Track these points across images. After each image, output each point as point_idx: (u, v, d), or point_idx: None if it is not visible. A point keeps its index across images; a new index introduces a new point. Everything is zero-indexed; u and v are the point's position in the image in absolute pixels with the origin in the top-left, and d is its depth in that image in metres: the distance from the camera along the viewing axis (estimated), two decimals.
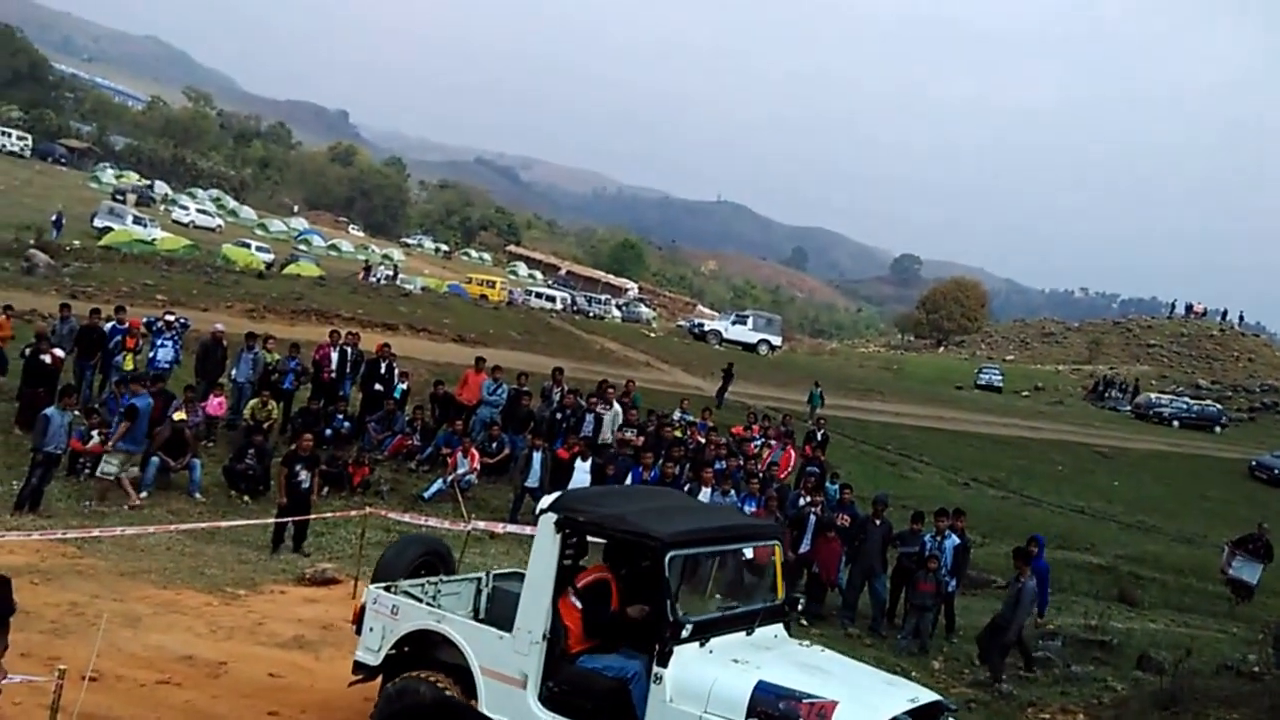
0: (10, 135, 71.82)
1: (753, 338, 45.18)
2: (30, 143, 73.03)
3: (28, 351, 14.74)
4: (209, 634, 8.69)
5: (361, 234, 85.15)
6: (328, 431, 15.29)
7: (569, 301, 56.21)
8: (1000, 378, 52.68)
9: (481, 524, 12.57)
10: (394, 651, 6.57)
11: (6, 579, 2.69)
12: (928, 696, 5.68)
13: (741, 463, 15.30)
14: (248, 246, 46.42)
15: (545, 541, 6.09)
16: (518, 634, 6.00)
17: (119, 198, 53.96)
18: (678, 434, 16.44)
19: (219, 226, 58.33)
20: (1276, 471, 33.89)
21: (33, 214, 40.48)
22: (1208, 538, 23.52)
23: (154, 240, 40.49)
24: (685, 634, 5.56)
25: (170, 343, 16.29)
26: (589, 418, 16.20)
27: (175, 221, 53.97)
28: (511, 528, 12.60)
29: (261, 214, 73.31)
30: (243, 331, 17.65)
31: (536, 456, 14.57)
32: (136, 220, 44.33)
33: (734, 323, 47.53)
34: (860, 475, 20.14)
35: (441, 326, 30.53)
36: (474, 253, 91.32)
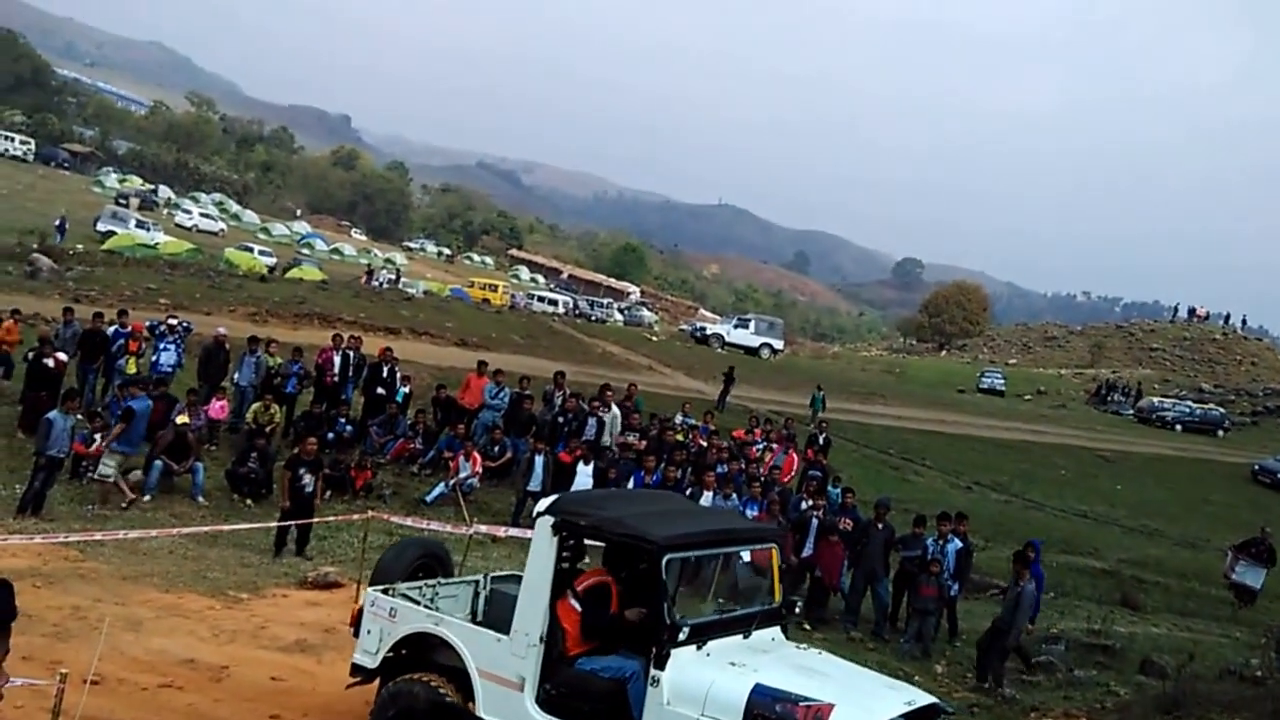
0: (13, 140, 72.07)
1: (755, 341, 45.15)
2: (33, 147, 73.24)
3: (31, 355, 14.78)
4: (211, 638, 8.70)
5: (364, 238, 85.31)
6: (330, 435, 15.31)
7: (571, 305, 56.24)
8: (1002, 381, 52.62)
9: (483, 528, 12.55)
10: (392, 654, 6.57)
11: (8, 584, 2.69)
12: (924, 699, 5.69)
13: (743, 466, 15.30)
14: (250, 250, 46.55)
15: (542, 544, 6.10)
16: (515, 636, 6.01)
17: (122, 202, 54.11)
18: (679, 438, 16.46)
19: (222, 231, 58.49)
20: (1279, 475, 33.83)
21: (36, 218, 40.55)
22: (1210, 542, 23.48)
23: (157, 244, 40.57)
24: (682, 637, 5.57)
25: (173, 346, 16.34)
26: (591, 421, 16.22)
27: (178, 225, 54.12)
28: (514, 531, 12.58)
29: (264, 218, 73.49)
30: (245, 335, 17.69)
31: (538, 460, 14.57)
32: (139, 224, 44.46)
33: (736, 326, 47.49)
34: (862, 479, 20.10)
35: (444, 330, 30.54)
36: (476, 256, 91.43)
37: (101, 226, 43.47)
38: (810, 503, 13.61)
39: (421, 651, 6.49)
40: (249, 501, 13.79)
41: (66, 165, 76.09)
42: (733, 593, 6.36)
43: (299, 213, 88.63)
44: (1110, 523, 25.13)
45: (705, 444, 16.35)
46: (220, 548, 11.90)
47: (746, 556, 6.39)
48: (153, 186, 70.06)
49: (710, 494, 12.98)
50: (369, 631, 6.67)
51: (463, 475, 15.01)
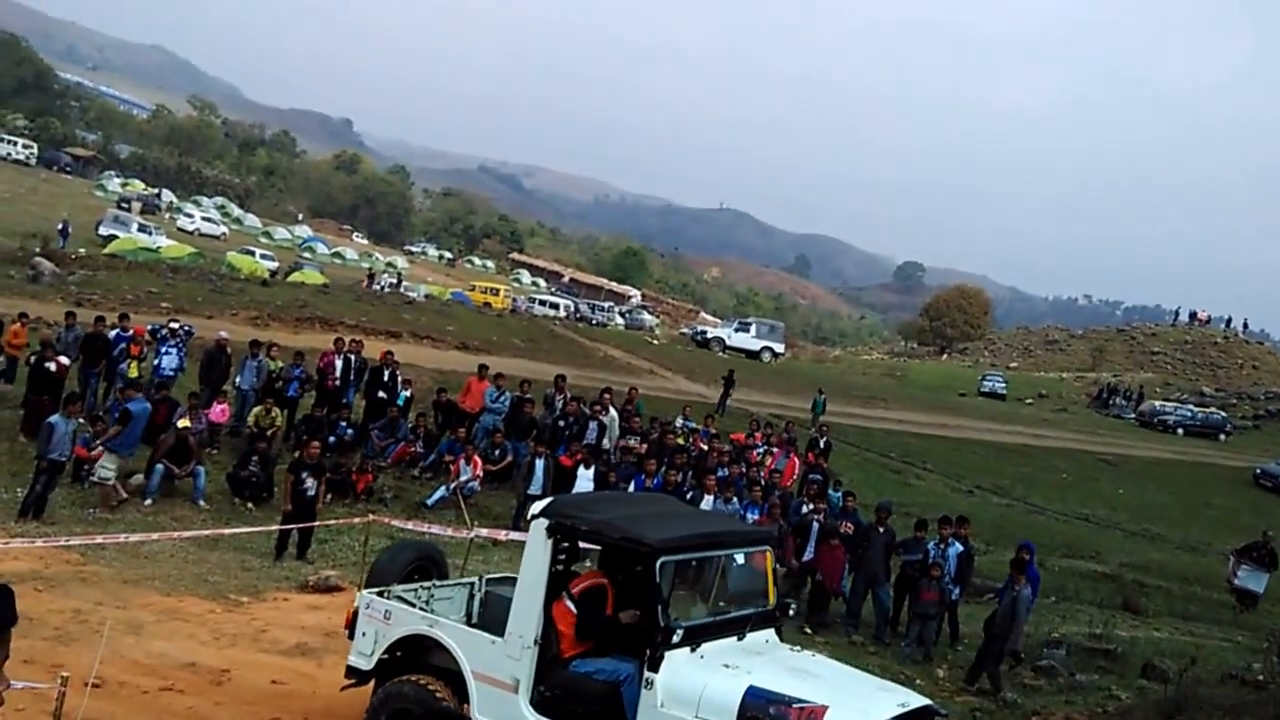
0: (16, 144, 72.25)
1: (756, 345, 45.17)
2: (36, 151, 73.44)
3: (33, 359, 14.80)
4: (212, 641, 8.71)
5: (365, 242, 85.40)
6: (331, 439, 15.32)
7: (572, 309, 56.27)
8: (1004, 385, 52.58)
9: (484, 531, 12.56)
10: (387, 656, 6.58)
11: (8, 589, 2.70)
12: (918, 701, 5.70)
13: (744, 470, 15.31)
14: (252, 254, 46.56)
15: (537, 547, 6.12)
16: (510, 639, 6.02)
17: (124, 206, 54.20)
18: (680, 441, 16.47)
19: (224, 234, 58.56)
20: None
21: (38, 222, 40.60)
22: (1212, 545, 23.46)
23: (159, 248, 40.62)
24: (676, 639, 5.58)
25: (175, 350, 16.36)
26: (592, 425, 16.22)
27: (180, 229, 54.18)
28: (514, 535, 12.55)
29: (266, 222, 73.58)
30: (247, 339, 17.72)
31: (539, 464, 14.57)
32: (141, 228, 44.52)
33: (737, 330, 47.50)
34: (863, 482, 20.10)
35: (445, 334, 30.56)
36: (477, 260, 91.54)
37: (103, 230, 43.50)
38: (811, 506, 13.62)
39: (416, 654, 6.50)
40: (250, 505, 13.80)
41: (69, 169, 76.26)
42: (727, 595, 6.36)
43: (300, 217, 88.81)
44: (1112, 526, 25.10)
45: (706, 448, 16.36)
46: (221, 551, 11.91)
47: (741, 559, 6.39)
48: (155, 190, 70.18)
49: (711, 498, 12.99)
50: (364, 634, 6.69)
51: (464, 479, 15.02)
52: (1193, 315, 73.24)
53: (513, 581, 6.57)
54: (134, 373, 15.63)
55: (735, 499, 13.23)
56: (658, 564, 5.68)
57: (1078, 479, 30.72)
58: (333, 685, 7.75)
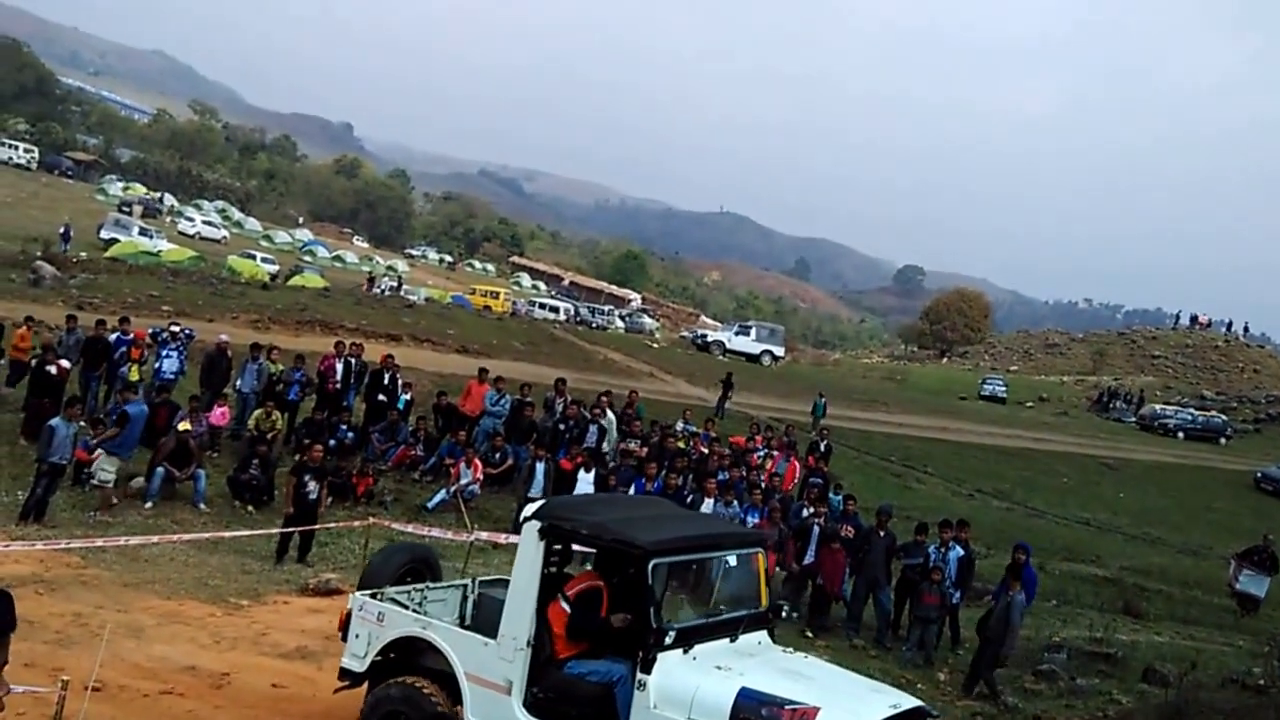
0: (18, 148, 72.37)
1: (756, 348, 45.17)
2: (37, 155, 73.55)
3: (34, 362, 14.81)
4: (212, 644, 8.71)
5: (366, 245, 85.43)
6: (332, 442, 15.31)
7: (572, 312, 56.27)
8: (1004, 388, 52.58)
9: (484, 534, 12.60)
10: (380, 658, 6.59)
11: (7, 594, 2.70)
12: (910, 702, 5.70)
13: (744, 474, 15.30)
14: (253, 258, 46.60)
15: (529, 549, 6.13)
16: (502, 640, 6.03)
17: (125, 210, 54.27)
18: (681, 445, 16.46)
19: (224, 238, 58.66)
20: None
21: (40, 226, 40.67)
22: (1213, 549, 23.45)
23: (159, 252, 40.69)
24: (669, 641, 5.59)
25: (175, 353, 16.36)
26: (592, 428, 16.22)
27: (181, 233, 54.29)
28: (515, 538, 12.49)
29: (267, 226, 73.68)
30: (247, 342, 17.74)
31: (539, 467, 14.57)
32: (142, 232, 44.60)
33: (737, 333, 47.51)
34: (864, 486, 20.08)
35: (445, 337, 30.57)
36: (478, 264, 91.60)
37: (105, 234, 43.56)
38: (812, 510, 13.60)
39: (409, 656, 6.51)
40: (250, 508, 13.81)
41: (70, 173, 76.41)
42: (720, 597, 6.37)
43: (301, 220, 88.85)
44: (1112, 530, 25.09)
45: (706, 451, 16.36)
46: (221, 554, 11.92)
47: (733, 561, 6.40)
48: (156, 194, 70.28)
49: (711, 501, 12.98)
50: (357, 636, 6.70)
51: (464, 482, 15.03)
52: (1193, 319, 73.27)
53: (505, 583, 6.58)
54: (135, 376, 15.63)
55: (736, 502, 13.23)
56: (650, 566, 5.69)
57: (1078, 483, 30.70)
58: (332, 689, 7.76)
